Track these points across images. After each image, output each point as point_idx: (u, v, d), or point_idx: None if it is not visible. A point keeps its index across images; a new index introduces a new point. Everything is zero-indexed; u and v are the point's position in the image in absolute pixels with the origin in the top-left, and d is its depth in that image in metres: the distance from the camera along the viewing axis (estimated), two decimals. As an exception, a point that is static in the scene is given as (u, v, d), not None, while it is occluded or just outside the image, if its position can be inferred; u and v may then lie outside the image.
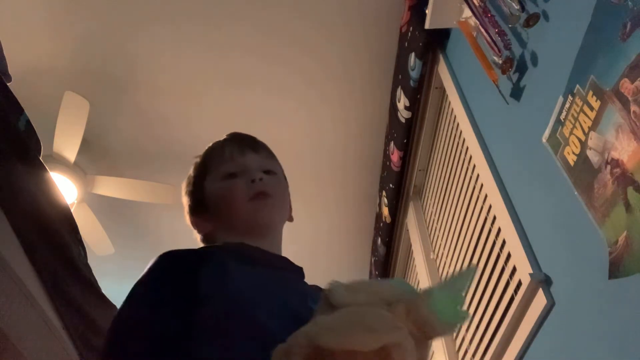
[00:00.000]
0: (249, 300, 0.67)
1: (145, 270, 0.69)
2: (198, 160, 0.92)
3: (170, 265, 0.70)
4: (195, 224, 0.88)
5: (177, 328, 0.62)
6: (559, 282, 1.03)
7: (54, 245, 1.13)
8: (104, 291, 1.35)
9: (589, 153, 0.90)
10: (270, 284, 0.73)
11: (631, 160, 0.78)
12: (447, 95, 1.83)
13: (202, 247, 0.82)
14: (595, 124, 0.88)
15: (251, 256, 0.77)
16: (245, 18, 2.12)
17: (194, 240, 0.90)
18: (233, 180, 0.84)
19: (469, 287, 0.59)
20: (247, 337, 0.63)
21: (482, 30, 1.30)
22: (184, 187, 0.93)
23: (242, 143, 0.90)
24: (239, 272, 0.71)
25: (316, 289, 0.85)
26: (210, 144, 0.93)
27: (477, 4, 1.32)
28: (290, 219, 0.91)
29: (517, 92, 1.25)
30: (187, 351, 0.60)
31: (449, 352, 1.73)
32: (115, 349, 0.63)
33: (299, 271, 0.85)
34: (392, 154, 2.28)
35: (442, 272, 1.94)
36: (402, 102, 2.03)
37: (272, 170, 0.89)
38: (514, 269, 1.21)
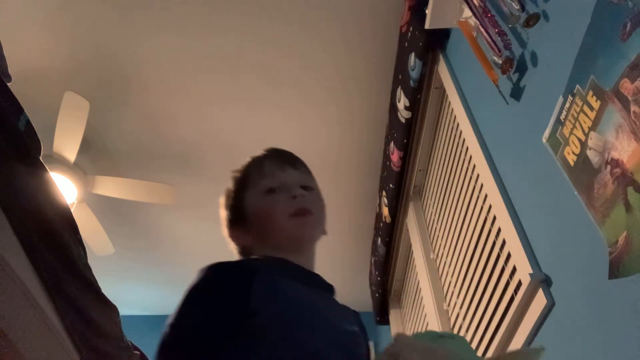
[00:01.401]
0: (296, 316, 0.71)
1: (195, 281, 0.71)
2: (237, 174, 0.94)
3: (221, 277, 0.72)
4: (234, 236, 0.91)
5: (227, 339, 0.65)
6: (559, 282, 1.03)
7: (54, 245, 1.13)
8: (104, 291, 1.35)
9: (589, 153, 0.90)
10: (312, 302, 0.77)
11: (631, 160, 0.78)
12: (447, 95, 1.83)
13: (249, 260, 0.85)
14: (595, 124, 0.88)
15: (294, 272, 0.80)
16: (245, 22, 2.12)
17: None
18: (273, 195, 0.86)
19: None
20: (293, 353, 0.66)
21: (482, 30, 1.30)
22: (222, 201, 0.95)
23: (282, 159, 0.93)
24: (287, 287, 0.74)
25: (347, 309, 0.88)
26: (249, 159, 0.95)
27: (477, 4, 1.32)
28: (324, 233, 0.93)
29: (517, 92, 1.25)
30: None
31: (449, 352, 1.72)
32: (166, 356, 0.66)
33: (331, 289, 0.87)
34: (392, 154, 2.27)
35: (441, 272, 1.94)
36: (402, 102, 2.03)
37: (310, 186, 0.91)
38: (514, 269, 1.21)
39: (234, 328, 0.65)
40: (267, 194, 0.87)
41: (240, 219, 0.89)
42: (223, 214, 0.94)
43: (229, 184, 0.95)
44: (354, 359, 0.73)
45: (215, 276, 0.72)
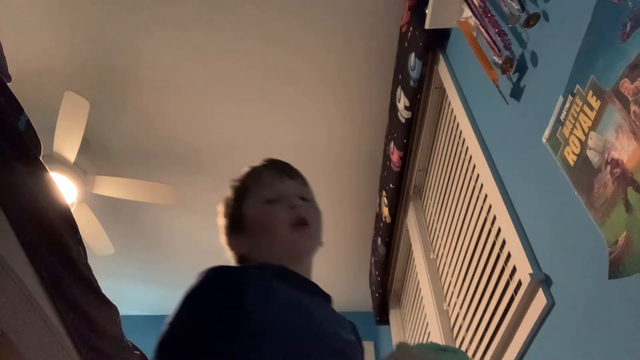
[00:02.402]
0: (289, 321, 0.72)
1: (195, 283, 0.73)
2: (236, 184, 0.96)
3: (218, 280, 0.74)
4: (232, 244, 0.92)
5: (222, 340, 0.66)
6: (559, 282, 1.03)
7: (54, 245, 1.13)
8: (104, 291, 1.35)
9: (589, 153, 0.90)
10: (308, 308, 0.78)
11: (631, 160, 0.78)
12: (447, 95, 1.83)
13: (248, 265, 0.86)
14: (595, 124, 0.88)
15: (290, 279, 0.81)
16: (245, 21, 2.12)
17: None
18: (273, 205, 0.88)
19: None
20: (285, 355, 0.68)
21: (482, 30, 1.30)
22: (221, 209, 0.96)
23: (280, 169, 0.95)
24: (281, 292, 0.76)
25: (344, 318, 0.90)
26: (248, 168, 0.97)
27: (477, 4, 1.32)
28: (321, 244, 0.94)
29: (517, 92, 1.25)
30: None
31: (449, 352, 1.72)
32: (165, 356, 0.68)
33: (328, 298, 0.89)
34: (392, 154, 2.28)
35: (441, 272, 1.94)
36: (402, 102, 2.03)
37: (307, 197, 0.93)
38: (514, 269, 1.21)
39: (229, 329, 0.67)
40: (267, 203, 0.88)
41: (238, 227, 0.91)
42: (221, 222, 0.95)
43: (228, 193, 0.96)
44: None
45: (212, 278, 0.74)
